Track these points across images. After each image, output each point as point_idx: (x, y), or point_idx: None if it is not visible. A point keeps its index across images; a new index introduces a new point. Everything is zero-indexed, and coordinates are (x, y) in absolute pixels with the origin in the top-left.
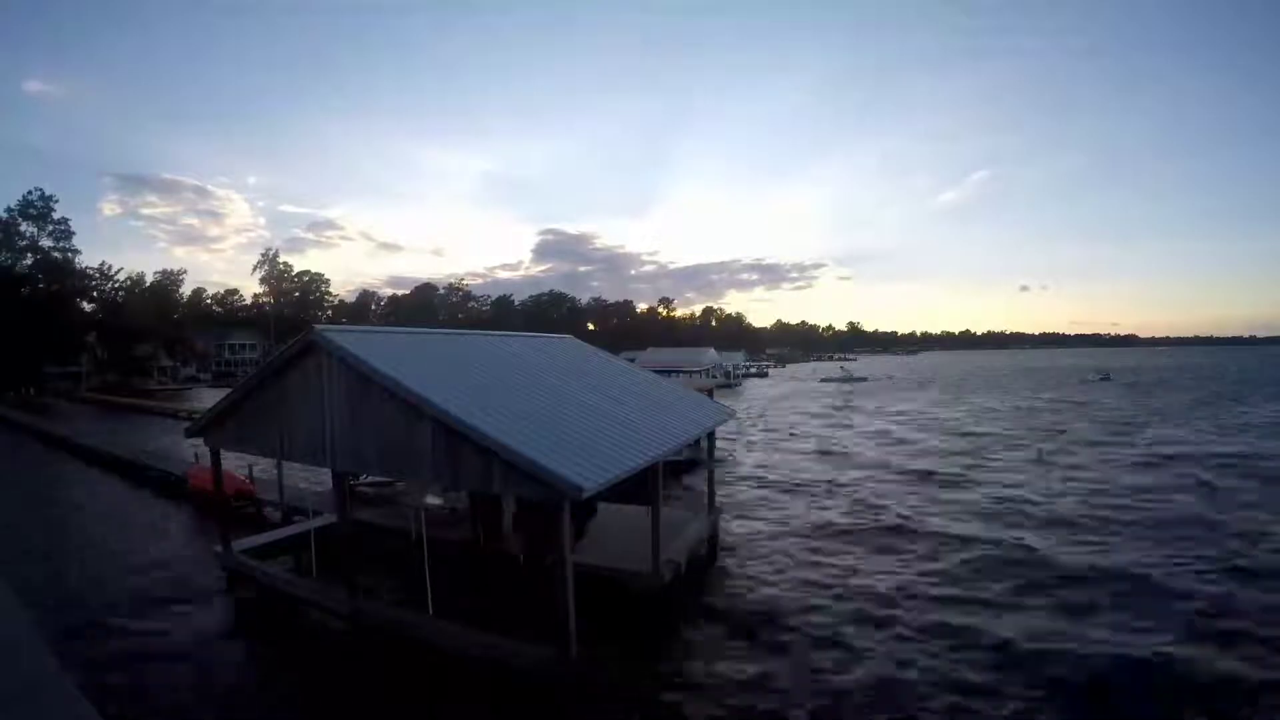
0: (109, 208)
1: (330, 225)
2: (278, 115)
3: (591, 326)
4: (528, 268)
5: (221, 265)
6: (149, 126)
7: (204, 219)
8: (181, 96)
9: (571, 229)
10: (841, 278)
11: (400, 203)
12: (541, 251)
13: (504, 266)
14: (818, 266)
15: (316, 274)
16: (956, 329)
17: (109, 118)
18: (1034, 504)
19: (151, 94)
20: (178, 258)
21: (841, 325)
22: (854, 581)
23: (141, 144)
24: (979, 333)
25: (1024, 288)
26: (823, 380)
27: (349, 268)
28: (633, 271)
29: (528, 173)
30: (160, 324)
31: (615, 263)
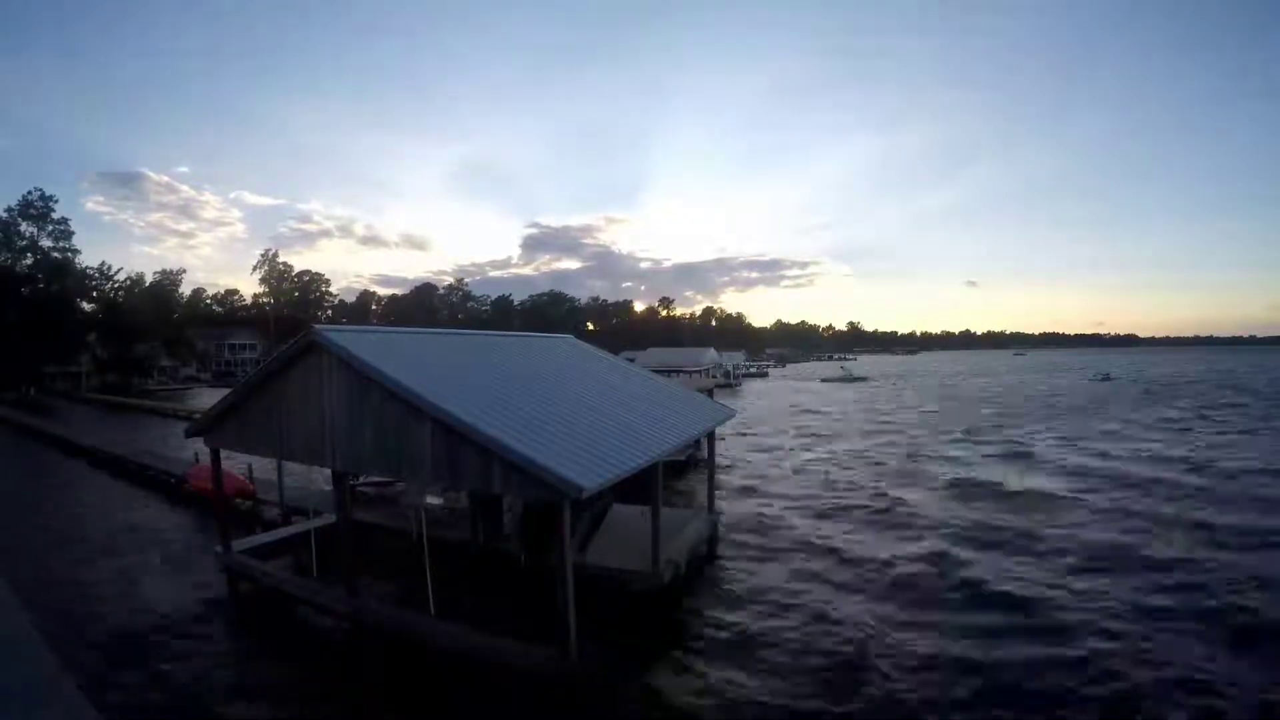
0: (80, 204)
1: (309, 220)
2: (249, 109)
3: (591, 326)
4: (517, 264)
5: (199, 263)
6: (119, 121)
7: (178, 215)
8: (150, 90)
9: (564, 224)
10: (842, 275)
11: (381, 198)
12: (532, 247)
13: (493, 264)
14: (817, 263)
15: (316, 274)
16: (956, 329)
17: (75, 111)
18: None
19: (121, 87)
20: (154, 255)
21: (841, 325)
22: None
23: (111, 138)
24: (979, 333)
25: (971, 283)
26: (824, 380)
27: (334, 266)
28: (629, 268)
29: (516, 168)
30: (160, 324)
31: (610, 259)
